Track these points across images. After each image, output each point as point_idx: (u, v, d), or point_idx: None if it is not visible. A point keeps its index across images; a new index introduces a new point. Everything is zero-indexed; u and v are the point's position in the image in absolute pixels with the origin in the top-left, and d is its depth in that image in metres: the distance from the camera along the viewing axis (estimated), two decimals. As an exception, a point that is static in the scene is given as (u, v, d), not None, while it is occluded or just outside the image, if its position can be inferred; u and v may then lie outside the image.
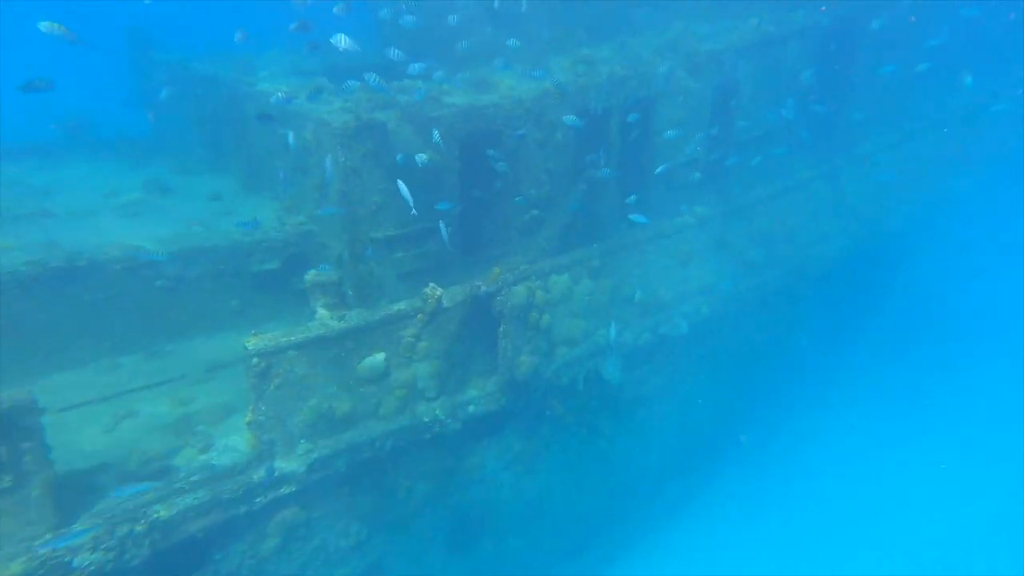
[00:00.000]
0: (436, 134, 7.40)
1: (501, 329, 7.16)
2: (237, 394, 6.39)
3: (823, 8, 10.60)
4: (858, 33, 11.08)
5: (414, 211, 7.10)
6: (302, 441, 6.10)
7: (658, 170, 9.06)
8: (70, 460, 5.54)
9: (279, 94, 7.19)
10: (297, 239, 8.24)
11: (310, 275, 6.57)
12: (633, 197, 8.64)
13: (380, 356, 6.66)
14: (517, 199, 8.44)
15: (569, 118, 8.22)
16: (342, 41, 6.86)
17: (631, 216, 8.50)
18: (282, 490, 6.10)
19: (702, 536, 10.66)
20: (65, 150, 10.99)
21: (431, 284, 6.88)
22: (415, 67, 7.74)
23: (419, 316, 6.78)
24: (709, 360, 9.73)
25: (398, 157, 7.37)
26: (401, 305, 6.94)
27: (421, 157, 7.38)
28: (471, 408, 7.18)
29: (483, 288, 7.10)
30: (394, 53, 7.11)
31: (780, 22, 10.44)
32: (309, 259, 8.38)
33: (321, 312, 6.48)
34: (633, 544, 10.27)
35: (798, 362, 11.25)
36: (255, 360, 5.75)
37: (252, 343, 5.77)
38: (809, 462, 11.89)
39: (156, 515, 5.43)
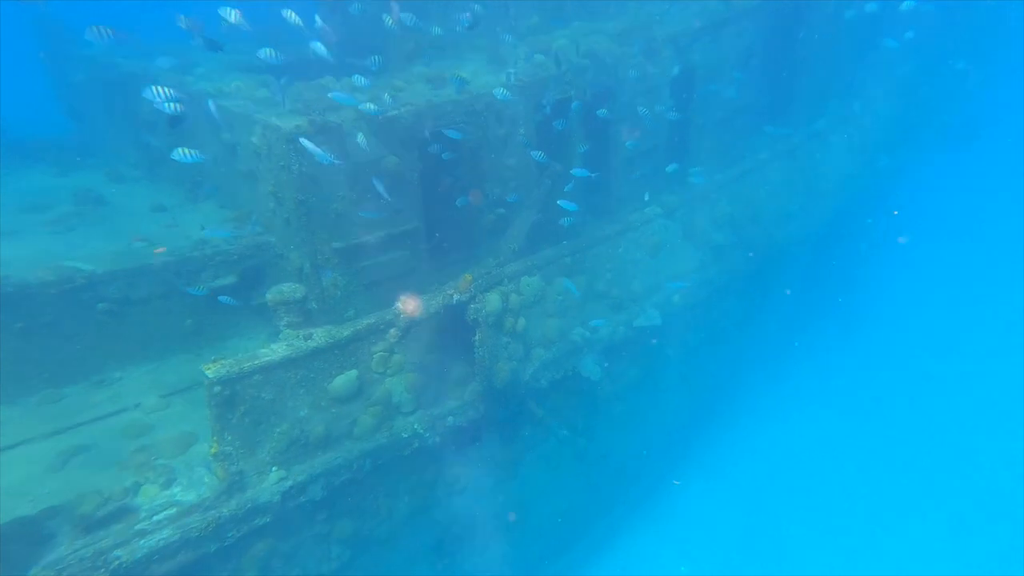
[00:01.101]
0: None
1: (477, 337, 6.96)
2: (199, 421, 5.96)
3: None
4: (805, 11, 11.23)
5: (388, 198, 6.68)
6: (274, 469, 5.76)
7: (627, 143, 8.88)
8: (13, 506, 5.04)
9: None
10: (253, 251, 7.73)
11: (272, 293, 6.16)
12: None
13: (352, 373, 6.35)
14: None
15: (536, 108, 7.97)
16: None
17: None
18: (256, 521, 5.76)
19: (680, 527, 10.86)
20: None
21: (402, 298, 6.59)
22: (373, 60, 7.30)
23: (392, 332, 6.50)
24: (683, 348, 9.85)
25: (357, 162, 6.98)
26: (370, 319, 6.63)
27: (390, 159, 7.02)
28: (450, 419, 6.99)
29: (456, 296, 6.86)
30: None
31: (731, 3, 10.44)
32: (267, 272, 7.90)
33: (286, 332, 6.10)
34: (615, 539, 10.40)
35: (768, 342, 11.53)
36: (217, 388, 5.35)
37: (212, 370, 5.36)
38: (780, 447, 12.23)
39: (117, 562, 5.02)
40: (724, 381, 11.20)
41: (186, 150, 5.27)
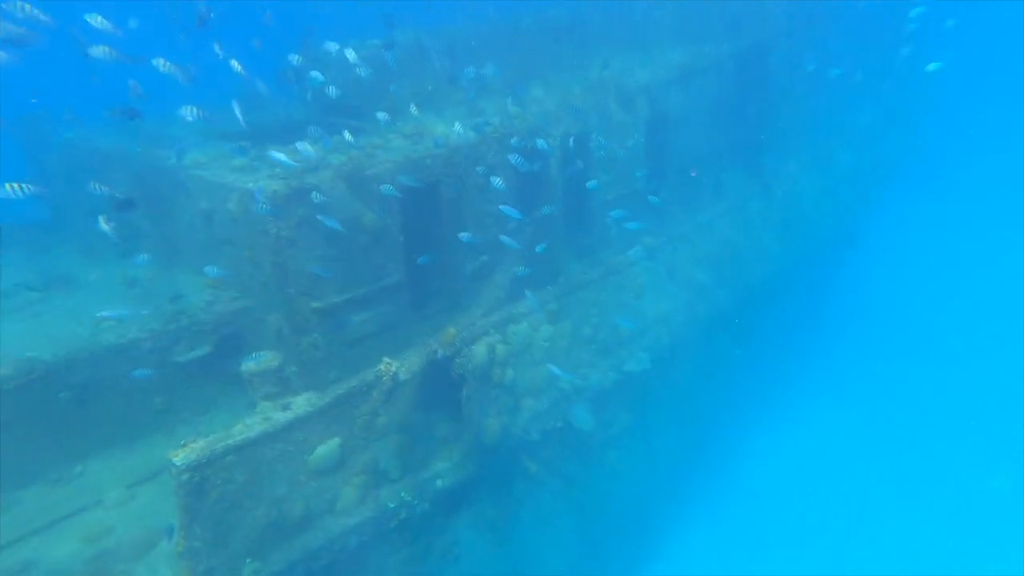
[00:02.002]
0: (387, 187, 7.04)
1: (464, 393, 6.75)
2: (166, 512, 5.57)
3: None
4: (769, 59, 11.74)
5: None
6: (248, 561, 5.37)
7: (590, 184, 8.95)
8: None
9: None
10: (230, 317, 7.53)
11: (246, 364, 5.94)
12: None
13: (334, 442, 6.07)
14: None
15: (514, 158, 8.07)
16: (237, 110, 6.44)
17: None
18: (233, 616, 5.33)
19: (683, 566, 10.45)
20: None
21: (384, 359, 6.40)
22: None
23: (375, 395, 6.27)
24: (674, 390, 9.69)
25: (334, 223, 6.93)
26: (352, 382, 6.41)
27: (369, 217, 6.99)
28: (439, 483, 6.68)
29: (440, 352, 6.69)
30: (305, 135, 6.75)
31: (699, 54, 10.91)
32: (245, 338, 7.67)
33: (262, 404, 5.85)
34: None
35: (759, 378, 11.45)
36: (186, 476, 5.04)
37: (180, 456, 5.06)
38: (777, 484, 11.99)
39: None
40: (718, 420, 11.00)
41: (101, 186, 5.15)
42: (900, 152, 14.68)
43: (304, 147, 6.83)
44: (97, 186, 4.88)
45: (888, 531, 11.10)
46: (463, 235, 7.81)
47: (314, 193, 6.73)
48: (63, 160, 10.08)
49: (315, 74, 7.22)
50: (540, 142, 8.74)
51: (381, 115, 8.27)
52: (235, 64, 6.75)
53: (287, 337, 7.23)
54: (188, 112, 7.18)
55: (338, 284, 7.18)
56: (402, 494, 6.38)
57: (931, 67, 11.96)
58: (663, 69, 10.37)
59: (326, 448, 5.99)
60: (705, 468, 11.14)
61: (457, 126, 8.17)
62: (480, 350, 6.89)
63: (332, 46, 8.97)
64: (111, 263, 8.81)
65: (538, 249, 7.39)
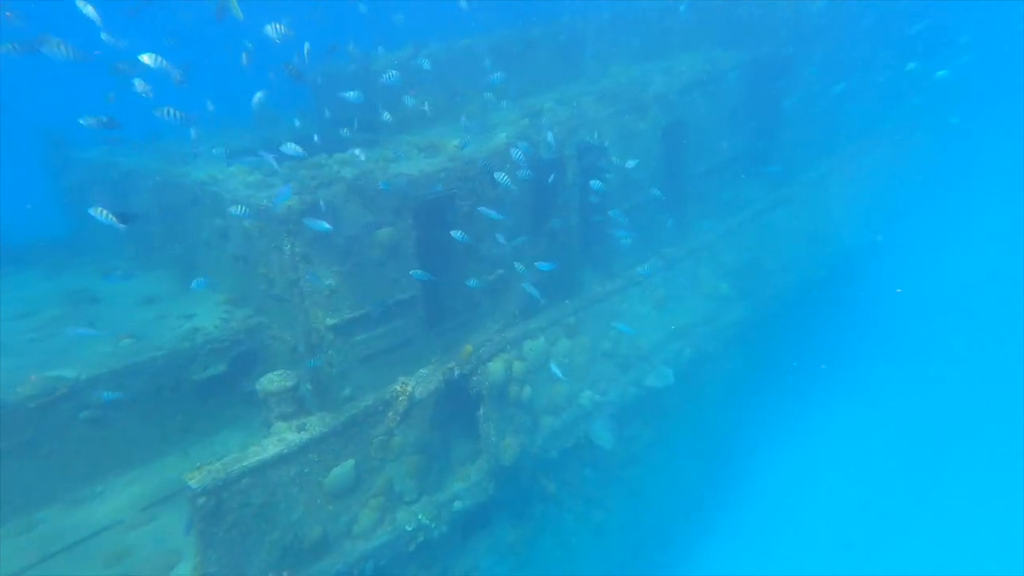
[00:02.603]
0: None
1: (481, 412, 6.58)
2: (183, 535, 5.47)
3: None
4: (791, 62, 11.51)
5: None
6: (266, 585, 5.25)
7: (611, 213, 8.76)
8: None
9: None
10: (245, 335, 7.48)
11: (261, 384, 5.85)
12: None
13: (349, 464, 5.94)
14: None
15: (524, 172, 7.95)
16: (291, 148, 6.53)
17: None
18: (248, 643, 5.18)
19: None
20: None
21: (401, 379, 6.27)
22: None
23: (391, 415, 6.13)
24: (697, 404, 9.39)
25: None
26: (367, 401, 6.27)
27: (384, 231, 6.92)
28: (457, 504, 6.49)
29: (456, 370, 6.54)
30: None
31: (717, 60, 10.73)
32: (260, 355, 7.62)
33: (277, 424, 5.74)
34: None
35: (785, 391, 11.08)
36: (201, 500, 4.93)
37: (195, 480, 4.96)
38: (805, 499, 11.56)
39: None
40: (743, 436, 10.64)
41: (103, 211, 5.15)
42: (933, 157, 14.24)
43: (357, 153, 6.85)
44: (100, 212, 4.89)
45: (918, 550, 10.61)
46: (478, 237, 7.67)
47: (321, 202, 6.68)
48: (82, 177, 10.23)
49: (352, 94, 7.29)
50: (553, 153, 8.63)
51: (386, 116, 8.21)
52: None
53: (302, 355, 7.16)
54: (195, 132, 7.23)
55: (352, 300, 7.11)
56: (419, 516, 6.21)
57: (939, 74, 11.71)
58: (679, 76, 10.22)
59: (341, 469, 5.85)
60: (730, 485, 10.76)
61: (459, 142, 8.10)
62: (497, 367, 6.72)
63: (355, 55, 9.04)
64: (129, 277, 8.87)
65: (546, 267, 7.22)
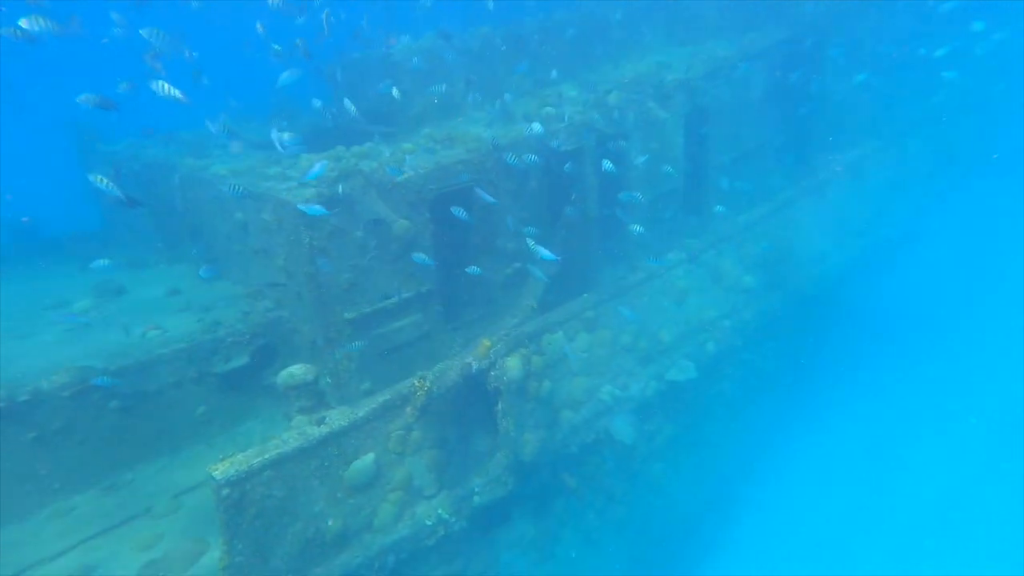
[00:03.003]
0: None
1: (500, 407, 6.52)
2: (210, 523, 5.59)
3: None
4: (820, 46, 11.03)
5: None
6: (289, 576, 5.31)
7: (623, 197, 8.47)
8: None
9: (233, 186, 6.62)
10: (265, 328, 7.56)
11: (282, 377, 5.88)
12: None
13: (369, 457, 5.95)
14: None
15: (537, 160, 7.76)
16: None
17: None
18: (273, 632, 5.27)
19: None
20: (2, 257, 10.16)
21: (419, 374, 6.24)
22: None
23: (409, 410, 6.12)
24: (720, 398, 9.19)
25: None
26: (386, 395, 6.27)
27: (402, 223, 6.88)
28: (476, 499, 6.47)
29: (474, 364, 6.48)
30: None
31: (743, 45, 10.33)
32: (280, 349, 7.70)
33: (298, 418, 5.78)
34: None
35: (812, 385, 10.76)
36: (225, 491, 5.00)
37: (219, 471, 5.03)
38: (832, 498, 11.25)
39: None
40: (768, 430, 10.38)
41: (102, 179, 5.14)
42: (975, 143, 13.53)
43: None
44: (101, 180, 4.91)
45: (950, 545, 10.24)
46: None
47: (340, 189, 6.65)
48: (109, 170, 10.43)
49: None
50: (572, 143, 8.44)
51: (395, 91, 8.07)
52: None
53: (321, 348, 7.20)
54: (214, 125, 7.27)
55: (371, 293, 7.10)
56: (439, 511, 6.21)
57: (948, 75, 11.12)
58: (703, 62, 9.87)
59: (361, 463, 5.87)
60: (755, 480, 10.53)
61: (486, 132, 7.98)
62: (515, 363, 6.64)
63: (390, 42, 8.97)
64: (155, 267, 9.04)
65: (548, 256, 7.02)
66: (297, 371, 5.87)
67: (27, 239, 10.73)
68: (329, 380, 7.10)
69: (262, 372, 7.41)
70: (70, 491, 6.09)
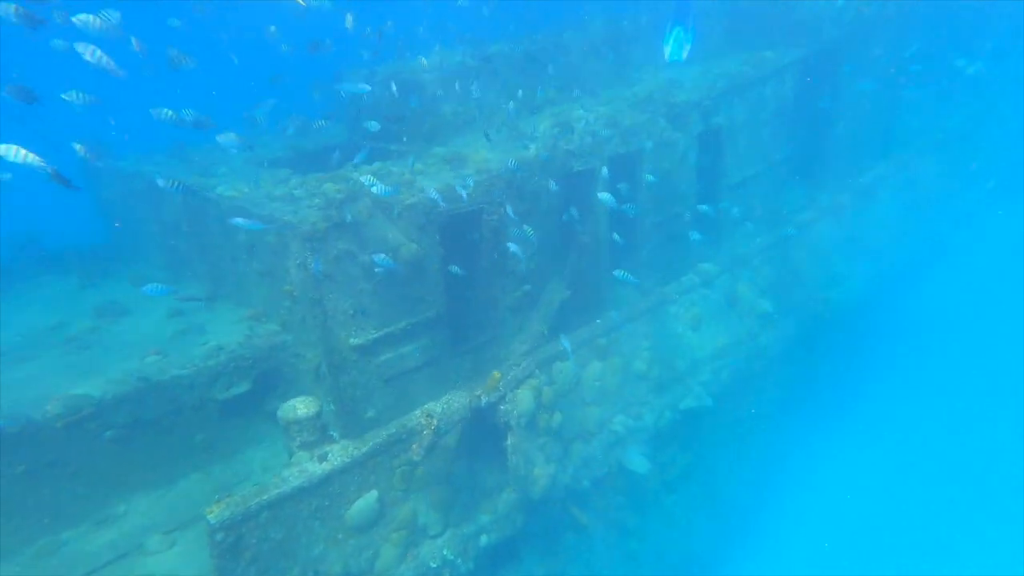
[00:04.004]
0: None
1: (510, 442, 6.26)
2: (204, 560, 5.33)
3: None
4: (835, 66, 10.83)
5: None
6: (285, 625, 5.05)
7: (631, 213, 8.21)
8: None
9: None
10: (268, 353, 7.35)
11: (283, 411, 5.66)
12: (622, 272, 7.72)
13: (372, 495, 5.70)
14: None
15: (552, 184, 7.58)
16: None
17: (616, 273, 7.52)
18: None
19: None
20: (5, 273, 10.03)
21: (425, 407, 6.00)
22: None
23: (415, 447, 5.87)
24: (736, 427, 8.88)
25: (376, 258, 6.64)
26: (391, 429, 6.03)
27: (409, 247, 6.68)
28: (483, 539, 6.19)
29: (483, 398, 6.23)
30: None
31: (757, 63, 10.15)
32: (283, 374, 7.48)
33: (299, 454, 5.54)
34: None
35: (830, 413, 10.41)
36: (220, 536, 4.76)
37: (215, 514, 4.79)
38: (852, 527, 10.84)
39: None
40: (786, 460, 10.03)
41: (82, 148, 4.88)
42: (995, 161, 13.23)
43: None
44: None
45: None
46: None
47: (348, 215, 6.46)
48: (113, 186, 10.32)
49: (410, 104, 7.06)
50: (583, 165, 8.25)
51: (392, 81, 7.71)
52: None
53: (325, 375, 6.98)
54: (226, 139, 7.09)
55: (376, 319, 6.89)
56: (444, 551, 5.93)
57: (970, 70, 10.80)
58: (717, 80, 9.68)
59: (364, 502, 5.62)
60: (772, 512, 10.15)
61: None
62: (525, 395, 6.39)
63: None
64: (160, 289, 8.86)
65: (577, 281, 6.78)
66: (299, 405, 5.65)
67: (29, 253, 10.60)
68: (333, 407, 6.87)
69: (264, 399, 7.18)
70: (60, 526, 5.86)
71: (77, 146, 5.47)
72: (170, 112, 5.37)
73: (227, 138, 7.37)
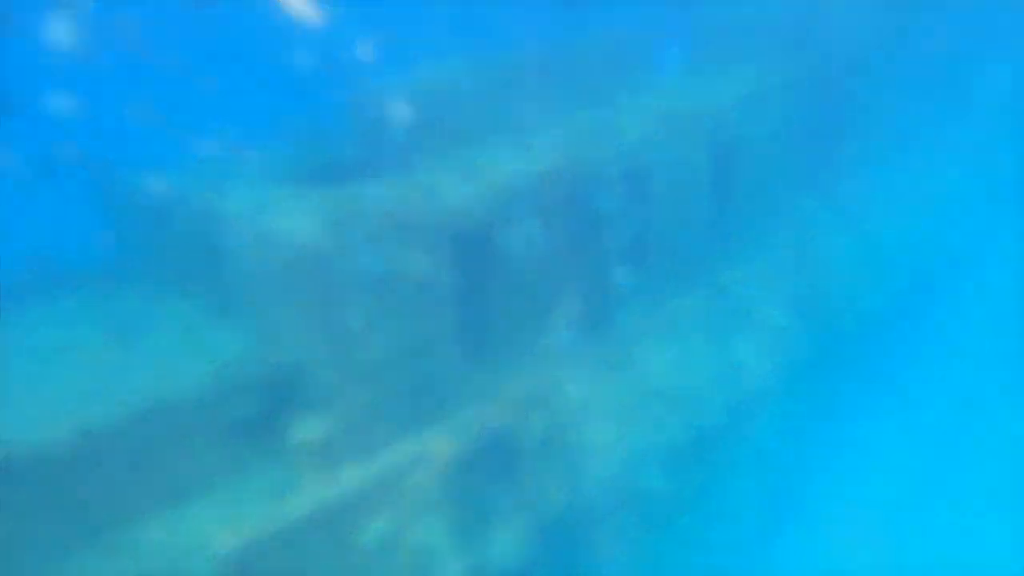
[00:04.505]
0: None
1: (524, 464, 6.10)
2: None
3: None
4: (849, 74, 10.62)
5: None
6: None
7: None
8: None
9: None
10: (278, 372, 7.25)
11: (292, 433, 5.55)
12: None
13: (383, 518, 5.56)
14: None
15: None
16: None
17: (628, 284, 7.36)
18: None
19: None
20: (9, 293, 9.94)
21: (436, 429, 5.87)
22: None
23: (427, 470, 5.73)
24: (754, 445, 8.65)
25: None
26: (402, 452, 5.90)
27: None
28: (497, 562, 6.02)
29: (496, 420, 6.09)
30: None
31: (767, 72, 9.97)
32: (295, 391, 7.38)
33: (308, 478, 5.42)
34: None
35: (849, 429, 10.14)
36: (227, 565, 4.63)
37: (222, 544, 4.67)
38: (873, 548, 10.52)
39: None
40: (805, 477, 9.78)
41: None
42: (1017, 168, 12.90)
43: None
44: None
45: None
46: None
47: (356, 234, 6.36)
48: (121, 201, 10.29)
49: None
50: (597, 177, 8.11)
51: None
52: None
53: (336, 392, 6.87)
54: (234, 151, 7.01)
55: (388, 335, 6.78)
56: (457, 577, 5.78)
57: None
58: (726, 90, 9.51)
59: (374, 525, 5.48)
60: (792, 531, 9.88)
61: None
62: (539, 415, 6.23)
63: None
64: (168, 301, 8.80)
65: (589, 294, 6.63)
66: (308, 427, 5.53)
67: (36, 268, 10.56)
68: (343, 425, 6.75)
69: (275, 418, 7.08)
70: (64, 555, 5.74)
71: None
72: None
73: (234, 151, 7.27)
